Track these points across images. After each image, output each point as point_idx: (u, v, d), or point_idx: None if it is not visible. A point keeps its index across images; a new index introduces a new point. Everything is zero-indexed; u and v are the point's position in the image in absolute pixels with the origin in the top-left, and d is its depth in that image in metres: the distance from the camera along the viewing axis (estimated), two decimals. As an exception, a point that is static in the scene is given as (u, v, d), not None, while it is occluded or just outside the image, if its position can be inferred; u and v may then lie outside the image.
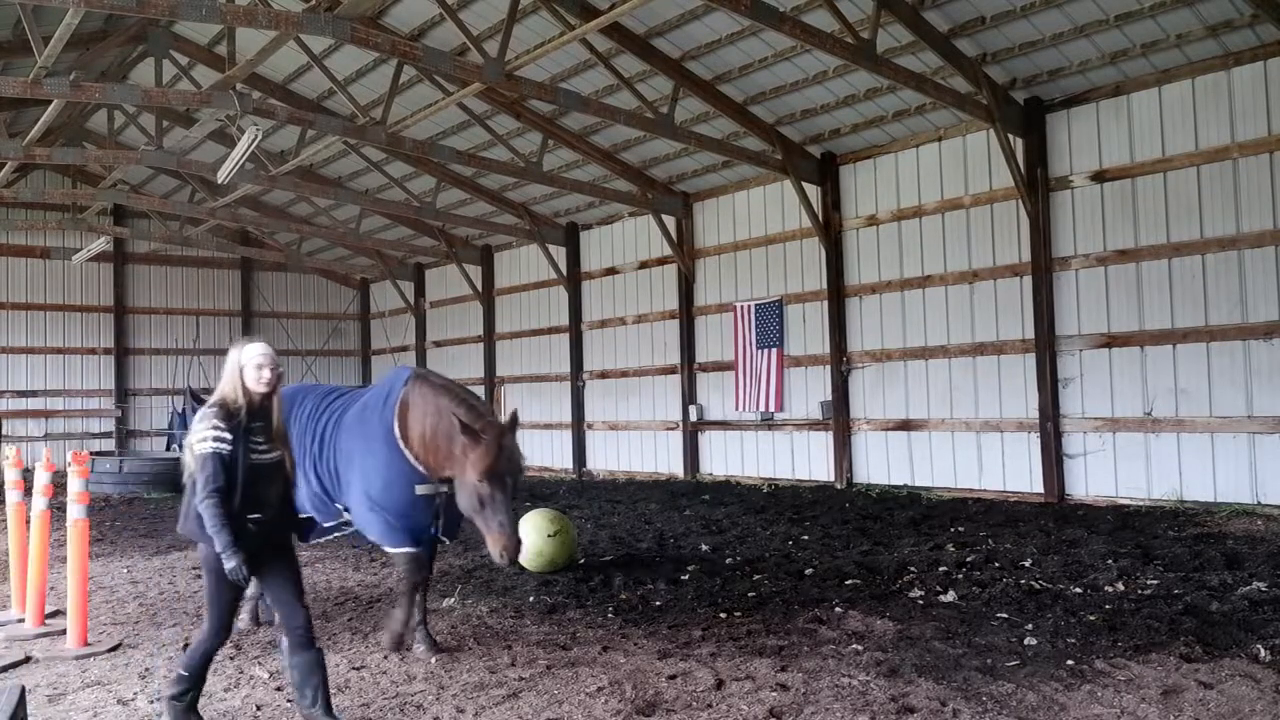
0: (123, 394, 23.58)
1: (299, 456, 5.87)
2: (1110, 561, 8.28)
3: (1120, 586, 7.42)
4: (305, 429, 6.53)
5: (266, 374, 4.51)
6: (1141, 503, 11.83)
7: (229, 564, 4.33)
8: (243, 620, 6.62)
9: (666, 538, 10.72)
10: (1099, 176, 12.39)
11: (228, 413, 4.46)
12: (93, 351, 23.40)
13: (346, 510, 6.42)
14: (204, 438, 4.42)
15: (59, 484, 8.00)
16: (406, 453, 6.07)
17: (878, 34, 11.09)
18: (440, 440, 5.95)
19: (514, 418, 5.95)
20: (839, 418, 15.25)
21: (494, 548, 5.63)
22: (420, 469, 6.08)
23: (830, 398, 15.39)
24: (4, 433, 21.31)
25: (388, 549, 6.28)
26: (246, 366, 4.49)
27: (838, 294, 15.26)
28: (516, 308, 22.21)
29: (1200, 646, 5.63)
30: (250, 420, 4.50)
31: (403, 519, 6.10)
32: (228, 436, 4.41)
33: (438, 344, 24.73)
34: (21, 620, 7.11)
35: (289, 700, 5.24)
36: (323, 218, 21.64)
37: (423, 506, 6.12)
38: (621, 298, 19.49)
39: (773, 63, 13.16)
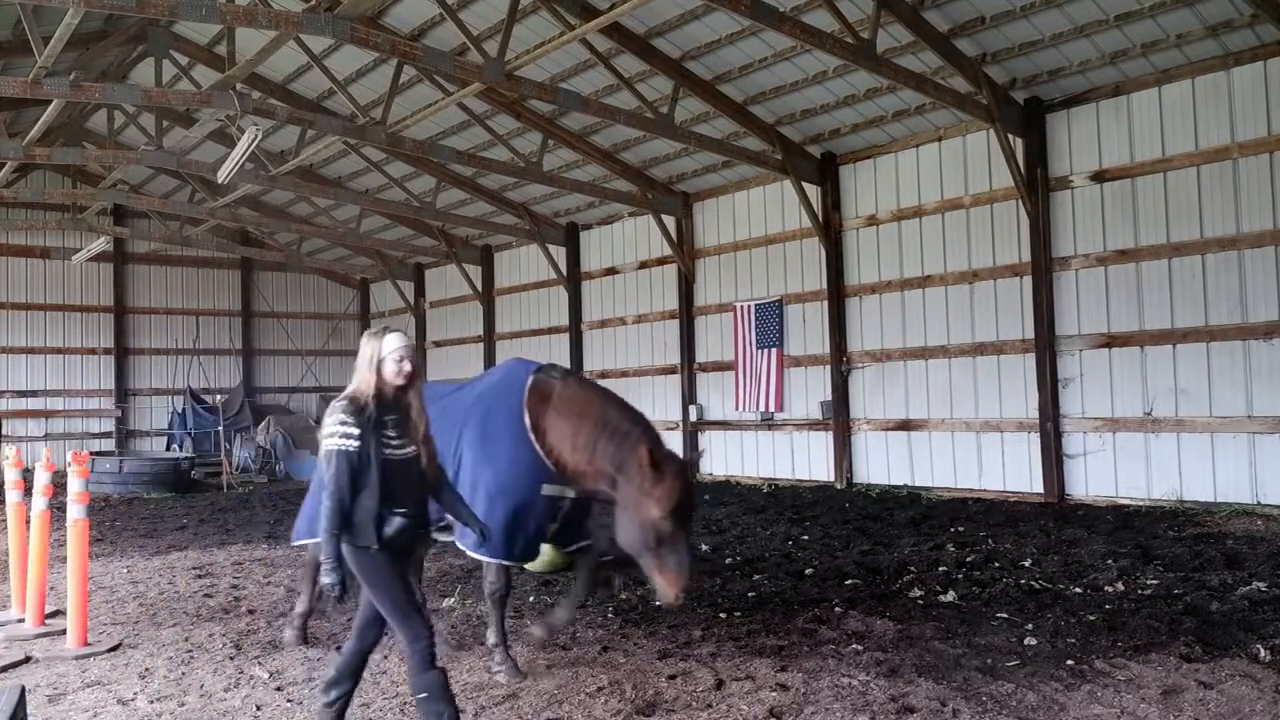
0: (123, 394, 23.56)
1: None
2: (1110, 561, 8.28)
3: (1120, 586, 7.42)
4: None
5: (406, 366, 4.29)
6: (1141, 503, 11.83)
7: (328, 576, 4.07)
8: (287, 636, 6.49)
9: (666, 538, 10.70)
10: (1099, 176, 12.38)
11: (357, 407, 4.22)
12: (93, 351, 23.39)
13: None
14: (330, 434, 4.20)
15: (59, 484, 8.00)
16: (537, 447, 5.63)
17: (878, 34, 11.09)
18: (599, 453, 5.51)
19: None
20: (839, 418, 15.25)
21: (668, 589, 5.20)
22: (550, 467, 5.64)
23: (830, 398, 15.39)
24: (4, 433, 21.32)
25: (482, 556, 5.60)
26: (386, 360, 4.26)
27: (838, 294, 15.26)
28: (516, 308, 22.20)
29: (1200, 646, 5.63)
30: (381, 414, 4.26)
31: (519, 519, 5.59)
32: (355, 432, 4.17)
33: (438, 344, 24.73)
34: (21, 620, 7.11)
35: (289, 700, 5.25)
36: (323, 218, 21.64)
37: (544, 508, 5.68)
38: (621, 298, 19.49)
39: (773, 63, 13.15)
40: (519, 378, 5.90)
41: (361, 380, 4.26)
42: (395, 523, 4.19)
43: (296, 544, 6.49)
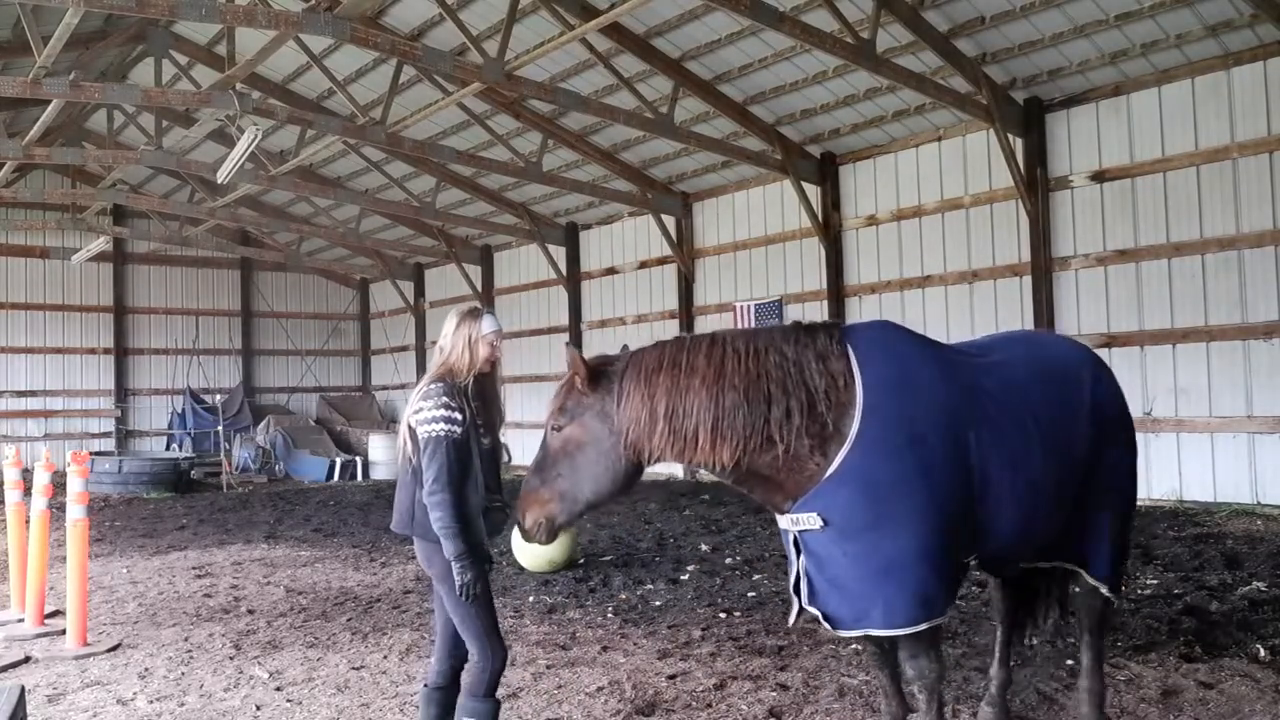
0: (122, 394, 23.56)
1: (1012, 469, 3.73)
2: (1110, 561, 8.28)
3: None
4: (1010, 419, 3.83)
5: (497, 352, 4.03)
6: (1141, 502, 11.80)
7: (464, 575, 3.70)
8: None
9: (666, 537, 10.72)
10: (1099, 176, 12.38)
11: (457, 389, 3.87)
12: (92, 351, 23.38)
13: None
14: (433, 418, 3.78)
15: (59, 484, 8.00)
16: None
17: (877, 34, 11.08)
18: None
19: None
20: (839, 418, 15.21)
21: None
22: None
23: (830, 398, 15.35)
24: (3, 433, 21.34)
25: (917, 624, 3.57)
26: (481, 341, 3.94)
27: (837, 294, 15.25)
28: (516, 308, 22.19)
29: (1200, 646, 5.63)
30: (472, 399, 3.95)
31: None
32: (459, 417, 3.81)
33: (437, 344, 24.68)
34: (21, 620, 7.11)
35: (289, 700, 5.25)
36: (322, 218, 21.64)
37: None
38: (621, 298, 19.49)
39: (772, 63, 13.15)
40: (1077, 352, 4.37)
41: (457, 361, 3.92)
42: (497, 518, 3.96)
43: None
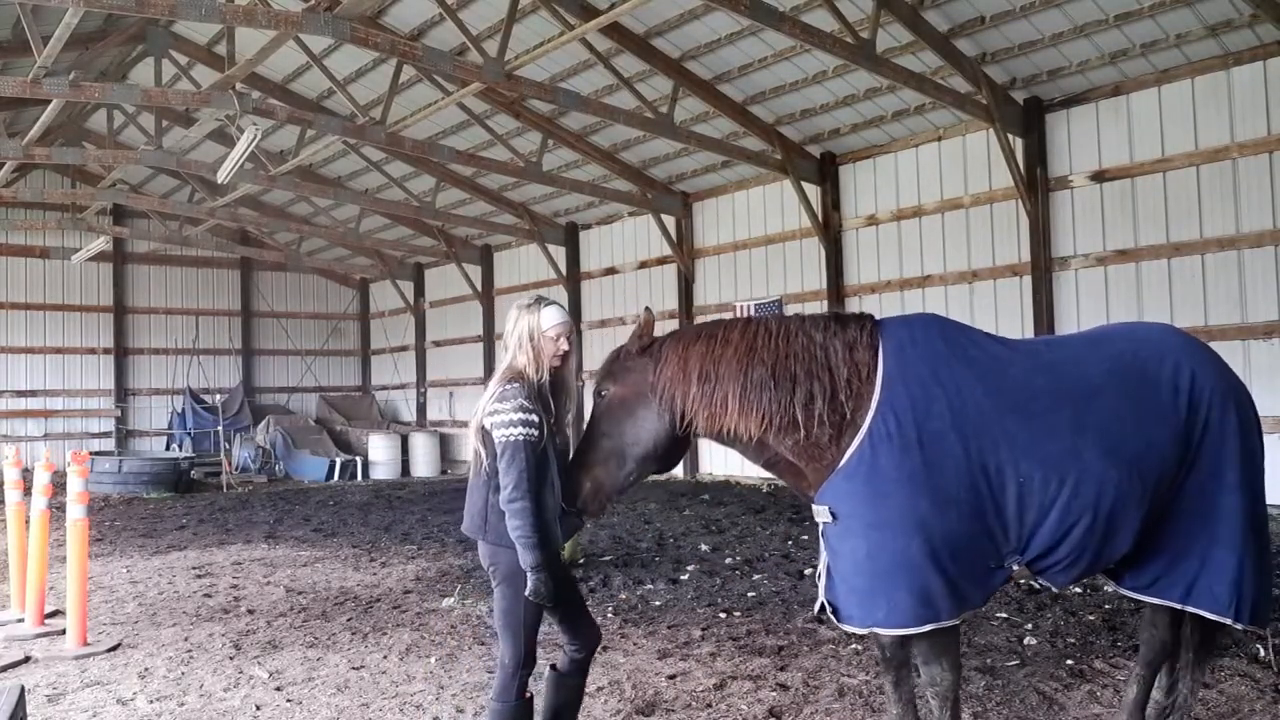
0: (122, 394, 23.56)
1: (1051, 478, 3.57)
2: (1110, 561, 8.28)
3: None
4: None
5: (564, 345, 3.78)
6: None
7: (543, 585, 3.57)
8: None
9: (666, 538, 10.72)
10: (1098, 176, 12.38)
11: (531, 390, 3.68)
12: (92, 351, 23.38)
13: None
14: (510, 421, 3.59)
15: (59, 484, 8.00)
16: None
17: (877, 34, 11.08)
18: None
19: None
20: (839, 418, 15.21)
21: None
22: None
23: (830, 398, 15.35)
24: (3, 433, 21.33)
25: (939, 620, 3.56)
26: (544, 336, 3.73)
27: (838, 294, 15.25)
28: (516, 308, 22.18)
29: (1200, 646, 5.62)
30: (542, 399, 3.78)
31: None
32: (537, 420, 3.62)
33: (437, 344, 24.72)
34: (21, 620, 7.11)
35: (289, 700, 5.25)
36: (322, 217, 21.64)
37: None
38: (621, 298, 19.48)
39: (772, 63, 13.15)
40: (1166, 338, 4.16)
41: (524, 359, 3.72)
42: (574, 522, 3.80)
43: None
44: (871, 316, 3.80)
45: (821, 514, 3.58)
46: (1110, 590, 7.29)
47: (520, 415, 3.59)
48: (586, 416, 3.93)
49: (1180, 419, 3.70)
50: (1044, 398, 3.61)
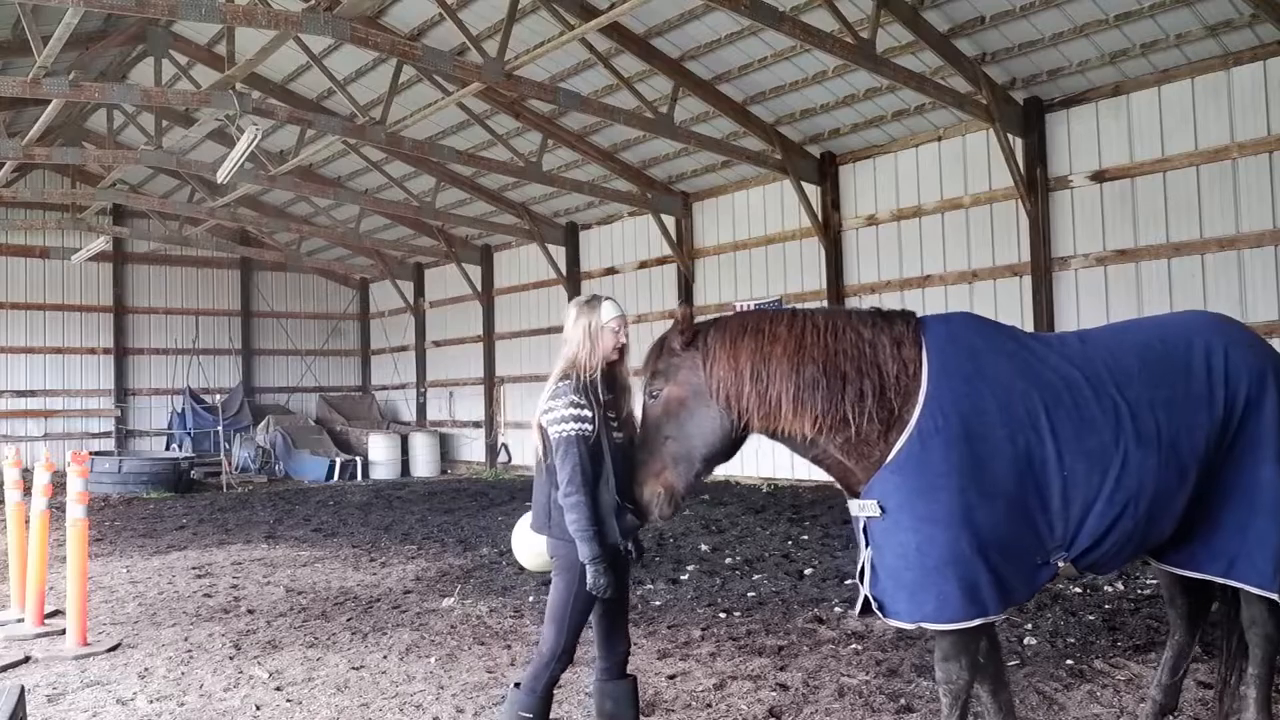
0: (122, 394, 23.56)
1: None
2: (1110, 561, 8.27)
3: (1120, 586, 7.42)
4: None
5: (622, 338, 3.92)
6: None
7: (600, 578, 3.68)
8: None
9: (666, 537, 10.72)
10: (1098, 176, 12.38)
11: (582, 385, 3.79)
12: (92, 351, 23.39)
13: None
14: (563, 418, 3.73)
15: (58, 484, 8.00)
16: None
17: (877, 34, 11.08)
18: None
19: None
20: (839, 417, 15.21)
21: None
22: None
23: (830, 397, 15.35)
24: (3, 433, 21.33)
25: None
26: (603, 330, 3.85)
27: (838, 294, 15.24)
28: (516, 308, 22.20)
29: (1200, 646, 5.62)
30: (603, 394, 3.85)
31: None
32: (589, 415, 3.74)
33: (437, 344, 24.72)
34: (21, 620, 7.11)
35: (289, 700, 5.25)
36: (322, 217, 21.64)
37: None
38: (621, 297, 19.16)
39: (772, 63, 13.15)
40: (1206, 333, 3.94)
41: (582, 354, 3.84)
42: (630, 520, 3.79)
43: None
44: (914, 313, 3.81)
45: (868, 508, 3.57)
46: (1109, 590, 7.29)
47: (571, 411, 3.73)
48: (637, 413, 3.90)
49: (1217, 400, 3.70)
50: (1082, 390, 3.63)
